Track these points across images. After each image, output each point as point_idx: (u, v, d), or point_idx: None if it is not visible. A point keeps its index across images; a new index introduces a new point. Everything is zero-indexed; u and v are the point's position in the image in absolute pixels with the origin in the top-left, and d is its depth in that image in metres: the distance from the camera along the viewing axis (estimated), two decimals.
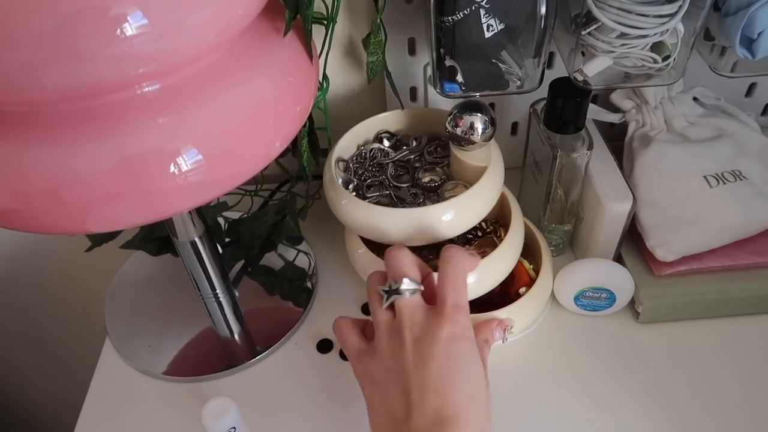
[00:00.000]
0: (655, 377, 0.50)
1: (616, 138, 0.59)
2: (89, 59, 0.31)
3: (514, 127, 0.65)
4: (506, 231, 0.51)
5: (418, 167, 0.55)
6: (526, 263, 0.54)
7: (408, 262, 0.42)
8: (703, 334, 0.53)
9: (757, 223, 0.52)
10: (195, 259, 0.55)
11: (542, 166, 0.56)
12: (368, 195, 0.53)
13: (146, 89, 0.35)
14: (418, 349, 0.37)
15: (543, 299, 0.53)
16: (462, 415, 0.36)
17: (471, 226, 0.50)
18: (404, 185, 0.53)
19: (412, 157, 0.56)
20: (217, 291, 0.58)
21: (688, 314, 0.53)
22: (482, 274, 0.48)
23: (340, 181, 0.52)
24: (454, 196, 0.49)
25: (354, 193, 0.51)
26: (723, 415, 0.48)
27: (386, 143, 0.56)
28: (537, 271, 0.53)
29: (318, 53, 0.48)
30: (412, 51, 0.58)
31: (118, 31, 0.31)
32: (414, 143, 0.56)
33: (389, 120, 0.57)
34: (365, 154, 0.56)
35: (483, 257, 0.48)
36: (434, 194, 0.52)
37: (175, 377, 0.53)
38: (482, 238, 0.54)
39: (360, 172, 0.55)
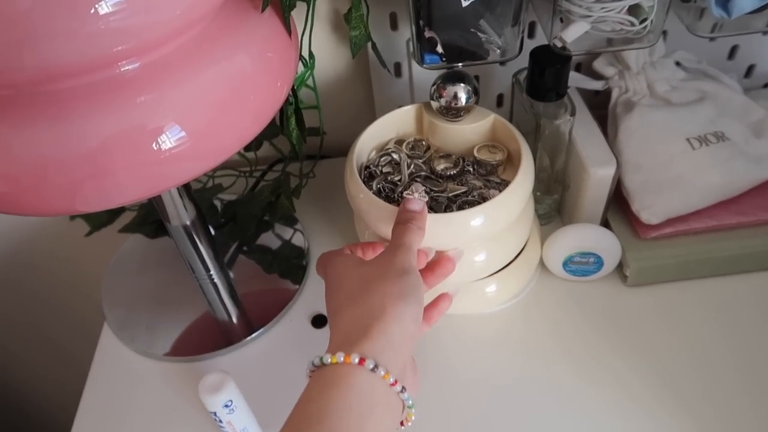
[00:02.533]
0: (644, 338, 0.51)
1: (601, 106, 0.60)
2: (67, 37, 0.32)
3: (500, 99, 0.65)
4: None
5: (432, 157, 0.53)
6: None
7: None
8: (689, 294, 0.53)
9: (739, 182, 0.53)
10: (188, 243, 0.55)
11: (528, 136, 0.57)
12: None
13: (126, 68, 0.36)
14: None
15: (531, 267, 0.54)
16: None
17: (503, 227, 0.48)
18: (442, 195, 0.50)
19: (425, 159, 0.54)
20: (212, 272, 0.58)
21: (675, 275, 0.54)
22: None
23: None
24: (496, 159, 0.51)
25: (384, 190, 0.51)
26: (710, 372, 0.49)
27: (403, 155, 0.53)
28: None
29: (302, 30, 0.49)
30: (394, 26, 0.58)
31: (95, 8, 0.31)
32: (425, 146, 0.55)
33: (404, 118, 0.55)
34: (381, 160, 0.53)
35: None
36: (452, 181, 0.51)
37: (174, 357, 0.54)
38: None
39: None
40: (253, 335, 0.55)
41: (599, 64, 0.59)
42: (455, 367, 0.51)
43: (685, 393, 0.48)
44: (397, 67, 0.62)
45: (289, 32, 0.43)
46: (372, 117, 0.66)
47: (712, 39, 0.61)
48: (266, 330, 0.56)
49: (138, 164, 0.37)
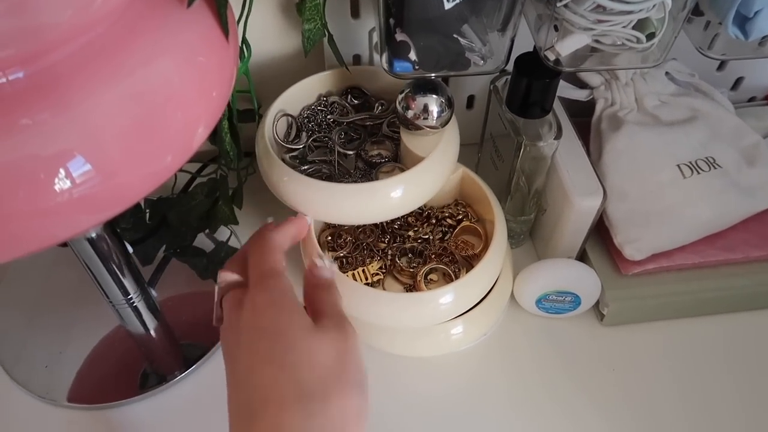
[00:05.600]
0: (619, 380, 0.47)
1: (581, 114, 0.53)
2: None
3: (470, 100, 0.58)
4: (474, 212, 0.49)
5: (369, 138, 0.48)
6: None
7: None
8: (669, 334, 0.49)
9: (729, 216, 0.48)
10: (98, 261, 0.46)
11: (502, 150, 0.50)
12: (309, 158, 0.47)
13: (3, 80, 0.26)
14: None
15: (502, 303, 0.48)
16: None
17: (421, 203, 0.44)
18: (350, 152, 0.47)
19: (370, 123, 0.48)
20: (131, 295, 0.50)
21: (655, 315, 0.49)
22: (465, 289, 0.44)
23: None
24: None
25: (292, 155, 0.46)
26: (689, 417, 0.45)
27: (353, 100, 0.50)
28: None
29: (238, 16, 0.40)
30: (355, 13, 0.49)
31: None
32: (379, 108, 0.49)
33: (334, 79, 0.50)
34: (320, 106, 0.49)
35: (466, 249, 0.48)
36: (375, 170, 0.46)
37: (81, 405, 0.46)
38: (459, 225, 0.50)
39: (309, 125, 0.48)
40: (176, 378, 0.47)
41: (585, 71, 0.52)
42: (416, 412, 0.45)
43: None
44: (356, 60, 0.53)
45: (227, 29, 0.33)
46: None
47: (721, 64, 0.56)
48: (195, 369, 0.48)
49: (26, 210, 0.28)
